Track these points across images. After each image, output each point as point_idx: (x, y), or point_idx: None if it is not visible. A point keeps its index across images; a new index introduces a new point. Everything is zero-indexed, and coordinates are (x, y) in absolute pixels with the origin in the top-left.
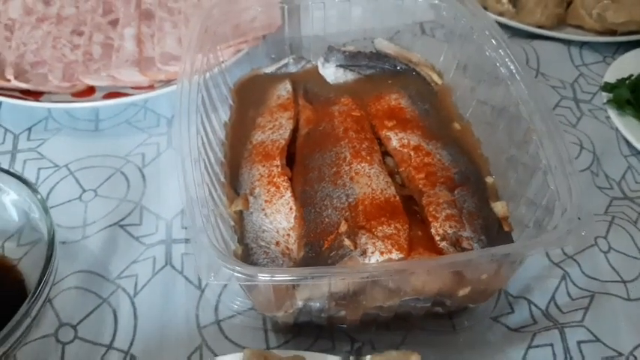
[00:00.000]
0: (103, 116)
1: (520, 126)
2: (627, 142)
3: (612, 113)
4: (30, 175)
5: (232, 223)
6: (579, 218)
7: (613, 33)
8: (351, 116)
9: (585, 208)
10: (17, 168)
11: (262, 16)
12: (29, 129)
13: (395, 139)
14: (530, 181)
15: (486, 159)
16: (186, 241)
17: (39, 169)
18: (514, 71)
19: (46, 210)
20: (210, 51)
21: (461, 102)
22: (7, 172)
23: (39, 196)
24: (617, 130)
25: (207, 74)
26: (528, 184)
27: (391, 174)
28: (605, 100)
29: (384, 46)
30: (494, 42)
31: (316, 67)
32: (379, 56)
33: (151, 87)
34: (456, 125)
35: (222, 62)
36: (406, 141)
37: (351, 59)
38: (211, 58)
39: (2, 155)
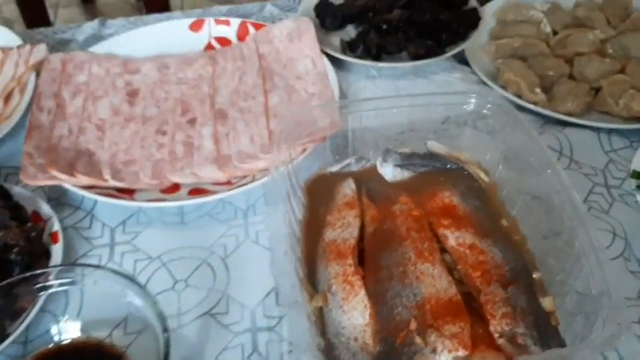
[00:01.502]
0: (188, 210)
1: (558, 217)
2: None
3: None
4: (128, 265)
5: (314, 318)
6: (619, 324)
7: (639, 119)
8: (411, 216)
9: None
10: (116, 260)
11: (325, 117)
12: (123, 222)
13: (452, 238)
14: (570, 272)
15: (532, 255)
16: (269, 329)
17: (135, 260)
18: (548, 162)
19: (155, 303)
20: (285, 149)
21: (507, 198)
22: (118, 272)
23: (146, 291)
24: None
25: (285, 170)
26: (569, 276)
27: (450, 270)
28: (634, 186)
29: (436, 147)
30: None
31: (375, 166)
32: (431, 156)
33: (228, 182)
34: (504, 222)
35: (294, 160)
36: (462, 240)
37: (407, 159)
38: (286, 156)
39: (102, 248)
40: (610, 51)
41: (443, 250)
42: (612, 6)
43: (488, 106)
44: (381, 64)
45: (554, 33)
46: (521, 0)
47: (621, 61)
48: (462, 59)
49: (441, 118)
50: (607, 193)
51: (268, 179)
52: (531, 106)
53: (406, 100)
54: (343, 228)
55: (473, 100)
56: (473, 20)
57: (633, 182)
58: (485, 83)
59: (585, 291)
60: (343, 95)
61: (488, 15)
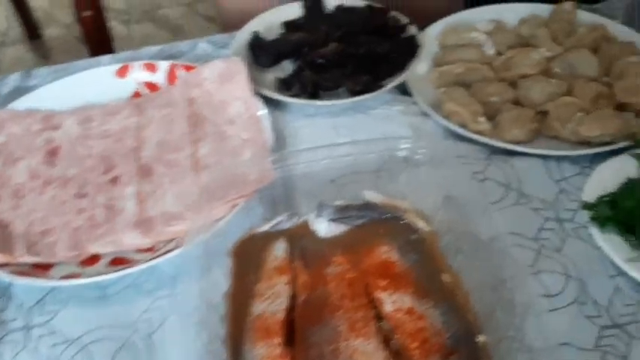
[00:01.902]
0: (108, 282)
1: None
2: (612, 261)
3: (595, 232)
4: (44, 351)
5: None
6: None
7: (588, 143)
8: (345, 279)
9: None
10: (32, 345)
11: (256, 169)
12: (40, 301)
13: (389, 302)
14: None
15: (476, 314)
16: None
17: (53, 344)
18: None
19: None
20: (208, 210)
21: (451, 245)
22: None
23: None
24: (601, 249)
25: (206, 236)
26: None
27: (387, 340)
28: (587, 218)
29: (372, 196)
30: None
31: (309, 221)
32: (368, 206)
33: (151, 249)
34: (446, 277)
35: (220, 220)
36: (399, 304)
37: (342, 212)
38: (209, 218)
39: (17, 332)
40: (557, 70)
41: (380, 316)
42: (558, 21)
43: (422, 150)
44: (318, 103)
45: (500, 54)
46: (463, 21)
47: (568, 81)
48: (405, 90)
49: (376, 165)
50: (559, 228)
51: (186, 245)
52: (476, 137)
53: (341, 149)
54: (272, 299)
55: (406, 145)
56: (411, 49)
57: (586, 214)
58: (427, 115)
59: (541, 344)
60: (280, 138)
61: (431, 40)
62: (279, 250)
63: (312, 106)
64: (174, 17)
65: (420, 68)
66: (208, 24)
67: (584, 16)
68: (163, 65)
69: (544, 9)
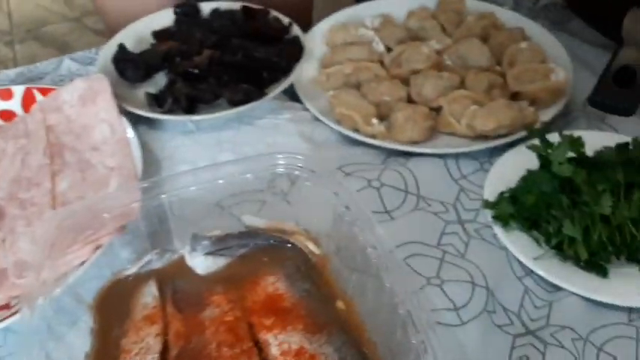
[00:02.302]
0: None
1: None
2: (519, 261)
3: (498, 231)
4: None
5: None
6: None
7: (485, 137)
8: (224, 323)
9: None
10: None
11: (121, 202)
12: None
13: (274, 345)
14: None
15: (375, 344)
16: None
17: None
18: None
19: None
20: (61, 256)
21: (344, 267)
22: None
23: None
24: (506, 249)
25: (59, 290)
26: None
27: None
28: (489, 218)
29: (253, 221)
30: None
31: (184, 257)
32: (250, 233)
33: (6, 306)
34: (340, 304)
35: (81, 265)
36: (287, 345)
37: (220, 243)
38: (66, 265)
39: None
40: (448, 62)
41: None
42: (446, 12)
43: (299, 165)
44: (194, 117)
45: (390, 50)
46: (351, 18)
47: (460, 73)
48: (294, 95)
49: (262, 184)
50: (462, 230)
51: (30, 303)
52: (370, 140)
53: (219, 170)
54: (141, 355)
55: (281, 162)
56: (295, 51)
57: (488, 213)
58: (319, 120)
59: None
60: (154, 161)
61: (318, 40)
62: (148, 295)
63: (189, 121)
64: (62, 33)
65: (308, 71)
66: (99, 38)
67: (473, 4)
68: (18, 90)
69: (432, 0)
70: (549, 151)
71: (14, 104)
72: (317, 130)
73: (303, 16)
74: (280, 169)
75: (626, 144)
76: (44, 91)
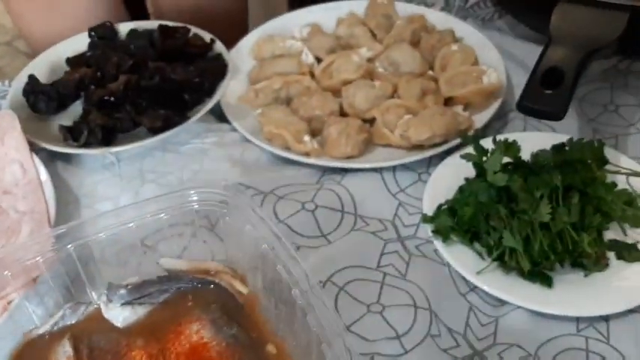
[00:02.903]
0: None
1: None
2: (462, 276)
3: (439, 245)
4: None
5: None
6: None
7: (421, 146)
8: None
9: None
10: None
11: (32, 252)
12: None
13: None
14: None
15: None
16: None
17: None
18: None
19: None
20: None
21: (269, 309)
22: None
23: None
24: (448, 265)
25: None
26: None
27: None
28: (429, 233)
29: (172, 263)
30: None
31: (100, 309)
32: (170, 277)
33: None
34: (271, 348)
35: None
36: None
37: (138, 291)
38: None
39: None
40: (380, 70)
41: None
42: (374, 16)
43: (218, 200)
44: (113, 149)
45: (320, 61)
46: (278, 29)
47: (393, 80)
48: (222, 115)
49: (168, 226)
50: (402, 248)
51: None
52: (302, 159)
53: (129, 212)
54: None
55: (195, 198)
56: (218, 69)
57: (428, 227)
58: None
59: None
60: (72, 199)
61: (245, 54)
62: (62, 356)
63: (108, 153)
64: None
65: (236, 88)
66: None
67: (402, 8)
68: None
69: (361, 5)
70: (484, 159)
71: None
72: (247, 152)
73: (237, 29)
74: (195, 206)
75: (563, 144)
76: None
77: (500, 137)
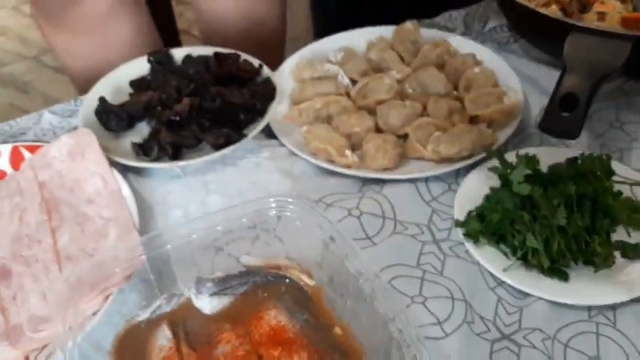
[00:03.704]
0: None
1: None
2: (490, 273)
3: (470, 247)
4: None
5: None
6: None
7: (451, 160)
8: (237, 357)
9: None
10: None
11: (123, 252)
12: None
13: None
14: None
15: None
16: None
17: None
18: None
19: None
20: (76, 306)
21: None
22: None
23: None
24: (478, 263)
25: (79, 336)
26: None
27: None
28: (461, 235)
29: (250, 260)
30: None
31: (190, 299)
32: (249, 272)
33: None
34: (338, 330)
35: (94, 314)
36: None
37: (222, 284)
38: (79, 315)
39: None
40: (410, 91)
41: None
42: (402, 42)
43: (290, 206)
44: (180, 163)
45: (354, 82)
46: (315, 53)
47: (422, 100)
48: (270, 132)
49: (251, 224)
50: (437, 249)
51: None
52: (345, 171)
53: (209, 219)
54: None
55: (273, 205)
56: (268, 92)
57: (459, 231)
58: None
59: None
60: (147, 207)
61: (286, 77)
62: (162, 339)
63: (176, 167)
64: (21, 73)
65: (280, 107)
66: (59, 75)
67: (427, 33)
68: (5, 149)
69: (389, 30)
70: (508, 171)
71: (3, 163)
72: (295, 165)
73: (276, 55)
74: (272, 212)
75: (576, 158)
76: (31, 149)
77: (523, 152)
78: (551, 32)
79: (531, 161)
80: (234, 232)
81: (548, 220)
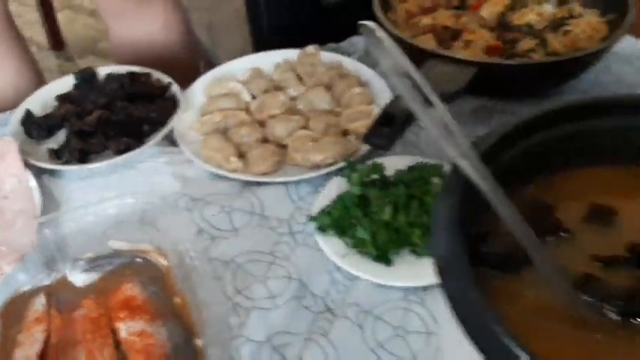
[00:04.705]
0: None
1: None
2: (330, 259)
3: (318, 238)
4: None
5: None
6: None
7: (319, 166)
8: (89, 318)
9: None
10: None
11: (23, 237)
12: None
13: (124, 329)
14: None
15: (200, 323)
16: None
17: None
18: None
19: None
20: None
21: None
22: None
23: None
24: (322, 251)
25: None
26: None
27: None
28: (314, 229)
29: (117, 244)
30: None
31: (66, 275)
32: (116, 254)
33: None
34: (177, 300)
35: None
36: (133, 329)
37: (93, 262)
38: None
39: None
40: (300, 107)
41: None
42: (303, 64)
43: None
44: (87, 167)
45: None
46: (226, 73)
47: (307, 116)
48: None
49: (139, 215)
50: (292, 240)
51: None
52: (229, 175)
53: (88, 209)
54: (30, 344)
55: (130, 201)
56: (170, 107)
57: (312, 225)
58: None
59: (261, 336)
60: (54, 203)
61: (198, 92)
62: (38, 304)
63: (82, 169)
64: None
65: (188, 119)
66: None
67: (328, 56)
68: None
69: (294, 53)
70: (352, 175)
71: None
72: (190, 170)
73: (191, 73)
74: (148, 207)
75: (414, 166)
76: None
77: (376, 160)
78: (415, 58)
79: (377, 167)
80: (125, 218)
81: (378, 215)
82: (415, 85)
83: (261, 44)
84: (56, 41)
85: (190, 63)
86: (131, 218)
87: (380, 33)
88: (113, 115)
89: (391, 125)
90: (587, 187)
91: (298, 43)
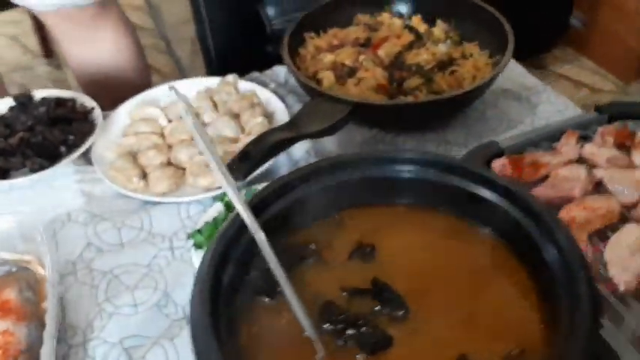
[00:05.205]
0: None
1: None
2: None
3: (193, 253)
4: None
5: None
6: None
7: (209, 189)
8: None
9: None
10: None
11: None
12: None
13: None
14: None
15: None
16: None
17: None
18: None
19: None
20: None
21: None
22: None
23: None
24: (193, 265)
25: None
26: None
27: None
28: (191, 245)
29: (2, 255)
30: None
31: None
32: (3, 262)
33: None
34: (44, 304)
35: None
36: (4, 328)
37: None
38: None
39: None
40: (209, 133)
41: None
42: (220, 92)
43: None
44: (6, 182)
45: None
46: (152, 98)
47: (215, 143)
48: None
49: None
50: (170, 254)
51: None
52: (130, 194)
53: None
54: None
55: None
56: (87, 130)
57: (191, 242)
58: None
59: (115, 338)
60: None
61: (123, 115)
62: None
63: (4, 184)
64: None
65: (109, 141)
66: None
67: (246, 85)
68: None
69: (216, 81)
70: (225, 199)
71: None
72: (98, 187)
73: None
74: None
75: None
76: None
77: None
78: (308, 93)
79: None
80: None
81: None
82: None
83: (212, 66)
84: (47, 49)
85: (140, 84)
86: (18, 232)
87: (184, 98)
88: (32, 137)
89: (247, 161)
90: (358, 227)
91: (245, 67)
